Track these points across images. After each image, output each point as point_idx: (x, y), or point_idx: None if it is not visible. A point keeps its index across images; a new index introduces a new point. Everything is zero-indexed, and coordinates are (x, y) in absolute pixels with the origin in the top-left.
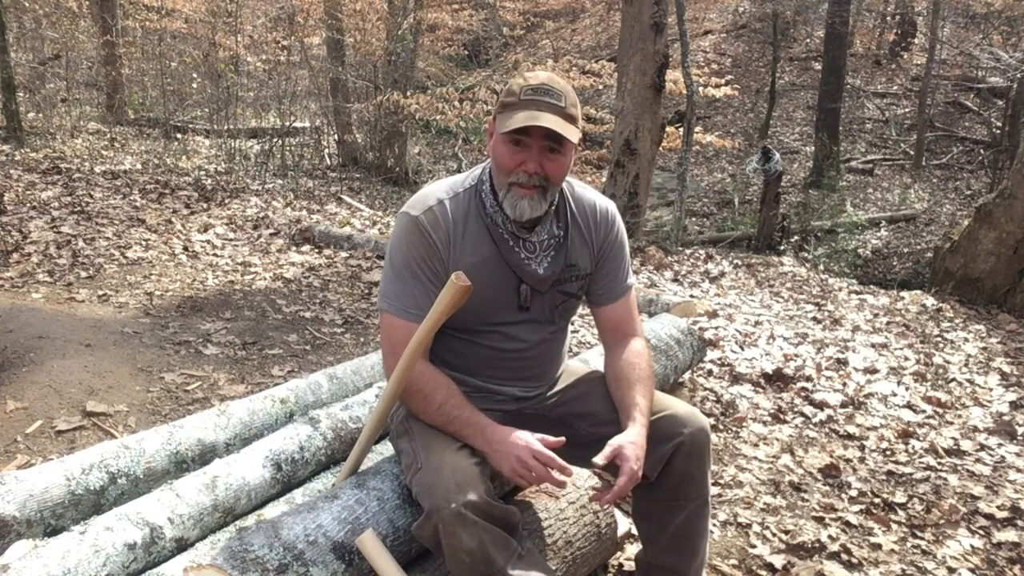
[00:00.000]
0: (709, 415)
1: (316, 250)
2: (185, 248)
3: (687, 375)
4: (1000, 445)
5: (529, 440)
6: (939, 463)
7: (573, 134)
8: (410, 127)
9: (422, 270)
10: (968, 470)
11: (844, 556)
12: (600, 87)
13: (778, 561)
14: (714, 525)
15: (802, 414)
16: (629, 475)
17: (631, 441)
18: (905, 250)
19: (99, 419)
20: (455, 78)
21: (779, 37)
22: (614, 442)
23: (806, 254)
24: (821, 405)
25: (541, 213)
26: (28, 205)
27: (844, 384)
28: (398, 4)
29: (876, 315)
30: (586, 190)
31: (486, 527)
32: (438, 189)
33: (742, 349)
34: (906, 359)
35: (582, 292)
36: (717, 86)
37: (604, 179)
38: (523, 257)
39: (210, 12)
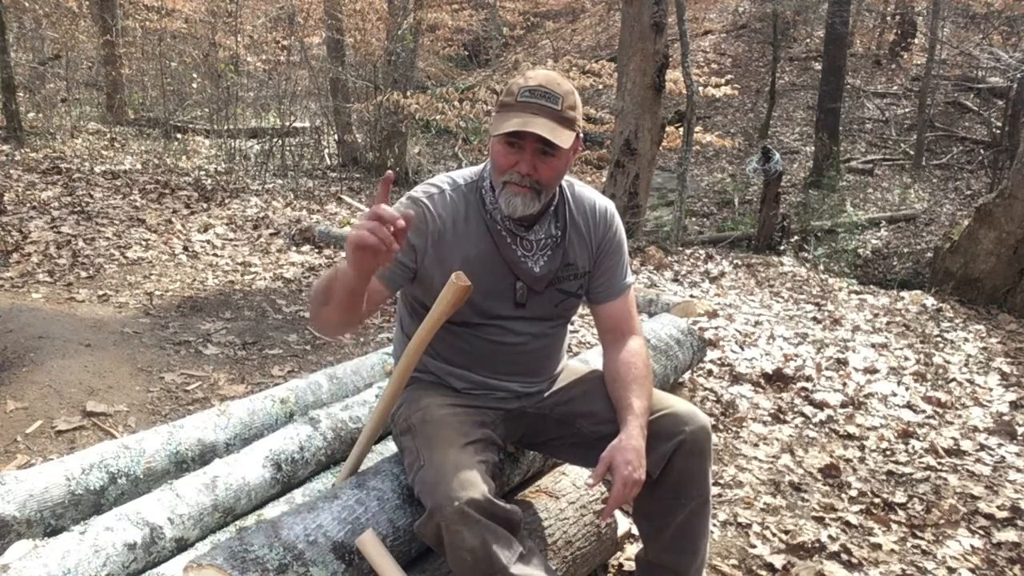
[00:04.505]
0: (709, 415)
1: (316, 250)
2: (185, 248)
3: (687, 375)
4: (1000, 445)
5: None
6: (939, 463)
7: (565, 138)
8: (410, 127)
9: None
10: (968, 470)
11: (844, 556)
12: (600, 87)
13: (778, 561)
14: (714, 525)
15: (802, 414)
16: (623, 482)
17: (622, 448)
18: (905, 250)
19: (99, 419)
20: (455, 78)
21: (779, 37)
22: (604, 455)
23: (806, 254)
24: (821, 405)
25: (534, 211)
26: (28, 205)
27: (844, 384)
28: (398, 4)
29: (876, 315)
30: (585, 189)
31: (489, 526)
32: (440, 180)
33: (742, 349)
34: (906, 359)
35: (582, 291)
36: (717, 86)
37: (604, 179)
38: (520, 255)
39: (210, 12)
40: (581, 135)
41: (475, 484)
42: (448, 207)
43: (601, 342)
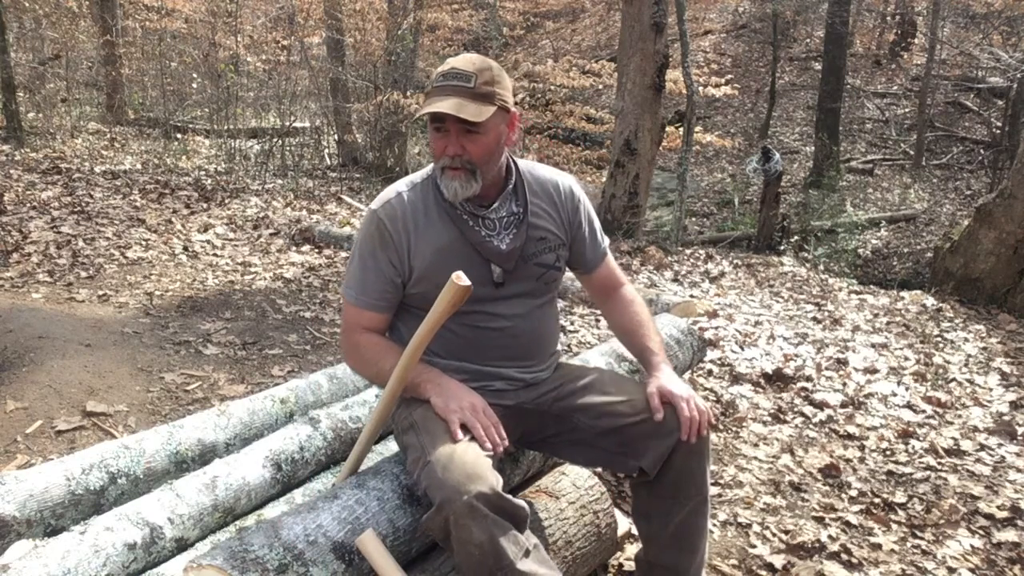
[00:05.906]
0: None
1: (316, 250)
2: (185, 248)
3: (687, 375)
4: (1000, 445)
5: (483, 399)
6: (939, 463)
7: (479, 112)
8: (410, 127)
9: (376, 259)
10: (968, 470)
11: (844, 556)
12: (600, 87)
13: (778, 561)
14: (714, 525)
15: (802, 414)
16: (686, 402)
17: (662, 380)
18: (905, 250)
19: (99, 419)
20: None
21: (779, 37)
22: (650, 391)
23: (806, 254)
24: (821, 405)
25: (473, 193)
26: (28, 205)
27: (844, 384)
28: (398, 4)
29: (876, 315)
30: (544, 169)
31: (497, 521)
32: (399, 183)
33: (742, 349)
34: (906, 359)
35: (560, 263)
36: (717, 86)
37: (604, 179)
38: (484, 235)
39: (210, 12)
40: (513, 110)
41: (484, 477)
42: (407, 207)
43: (596, 302)
